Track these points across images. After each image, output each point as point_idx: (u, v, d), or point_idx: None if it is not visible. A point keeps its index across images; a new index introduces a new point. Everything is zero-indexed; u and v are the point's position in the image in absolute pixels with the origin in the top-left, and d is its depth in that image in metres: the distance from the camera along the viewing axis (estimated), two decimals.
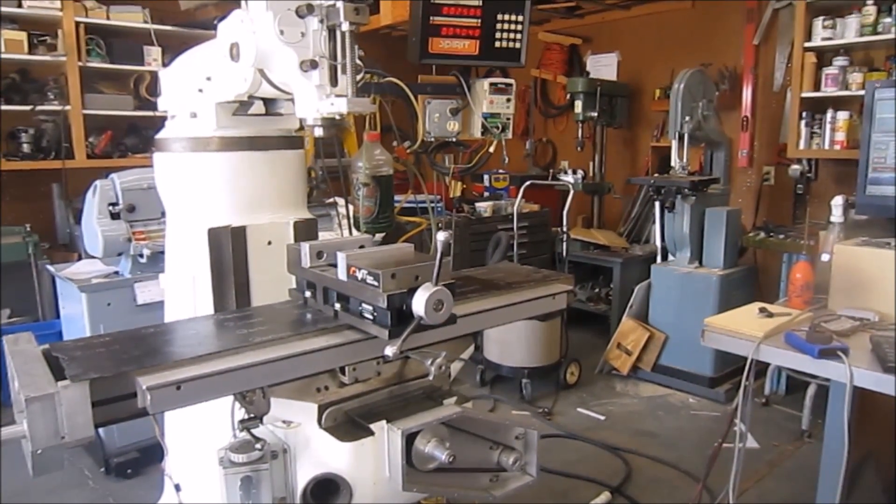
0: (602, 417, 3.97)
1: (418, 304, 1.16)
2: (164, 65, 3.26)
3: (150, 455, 3.14)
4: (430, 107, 2.38)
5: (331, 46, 1.33)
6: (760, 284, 4.53)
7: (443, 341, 1.34)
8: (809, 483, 2.33)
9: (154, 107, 1.86)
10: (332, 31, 1.33)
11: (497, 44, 2.40)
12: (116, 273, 3.25)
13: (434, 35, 2.30)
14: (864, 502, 2.35)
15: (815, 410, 3.57)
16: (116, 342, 1.25)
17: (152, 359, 1.13)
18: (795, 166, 4.59)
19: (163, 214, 1.77)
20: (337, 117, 1.37)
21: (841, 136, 4.29)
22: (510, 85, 2.46)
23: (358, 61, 1.36)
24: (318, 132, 1.39)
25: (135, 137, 4.85)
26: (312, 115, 1.37)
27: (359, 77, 1.38)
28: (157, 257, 3.05)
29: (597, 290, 5.50)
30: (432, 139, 2.43)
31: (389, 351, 1.18)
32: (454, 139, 2.47)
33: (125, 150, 4.80)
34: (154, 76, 4.46)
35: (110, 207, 3.08)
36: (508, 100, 2.46)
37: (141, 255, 3.14)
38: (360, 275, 1.23)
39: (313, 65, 1.32)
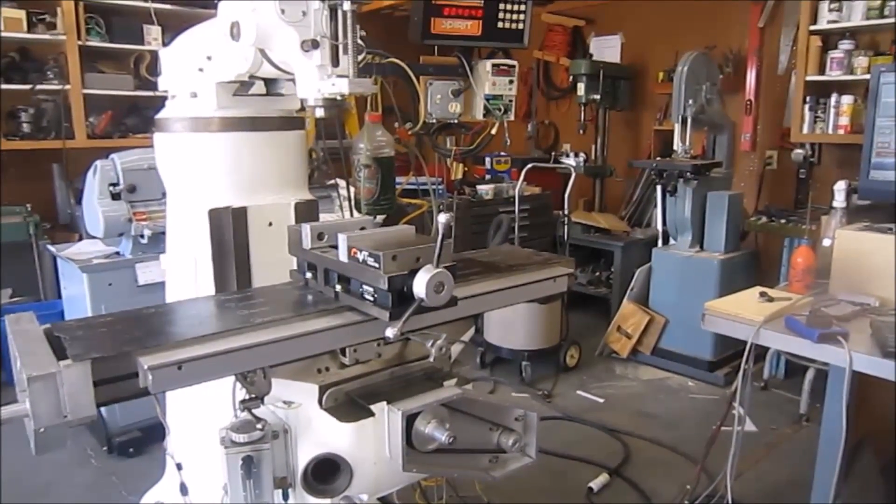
0: (601, 400, 3.99)
1: (419, 285, 1.16)
2: (165, 44, 3.24)
3: (153, 434, 3.17)
4: (432, 88, 2.35)
5: (332, 26, 1.32)
6: (761, 269, 4.53)
7: (443, 323, 1.33)
8: (807, 466, 2.34)
9: (154, 86, 1.84)
10: (333, 11, 1.31)
11: (500, 24, 2.37)
12: (117, 253, 3.26)
13: (436, 15, 2.27)
14: (860, 485, 2.36)
15: (813, 394, 3.59)
16: (118, 322, 1.25)
17: (154, 339, 1.13)
18: (798, 150, 4.57)
19: (164, 195, 1.76)
20: (338, 98, 1.36)
21: (845, 120, 4.27)
22: (513, 66, 2.44)
23: (359, 41, 1.35)
24: (320, 113, 1.38)
25: (135, 117, 4.83)
26: (313, 96, 1.35)
27: (360, 57, 1.36)
28: (158, 238, 3.06)
29: (598, 273, 5.51)
30: (434, 121, 2.41)
31: (390, 332, 1.18)
32: (456, 121, 2.45)
33: (126, 130, 4.79)
34: (154, 55, 4.42)
35: (111, 188, 3.08)
36: (511, 81, 2.44)
37: (142, 236, 3.14)
38: (361, 256, 1.23)
39: (314, 45, 1.31)
